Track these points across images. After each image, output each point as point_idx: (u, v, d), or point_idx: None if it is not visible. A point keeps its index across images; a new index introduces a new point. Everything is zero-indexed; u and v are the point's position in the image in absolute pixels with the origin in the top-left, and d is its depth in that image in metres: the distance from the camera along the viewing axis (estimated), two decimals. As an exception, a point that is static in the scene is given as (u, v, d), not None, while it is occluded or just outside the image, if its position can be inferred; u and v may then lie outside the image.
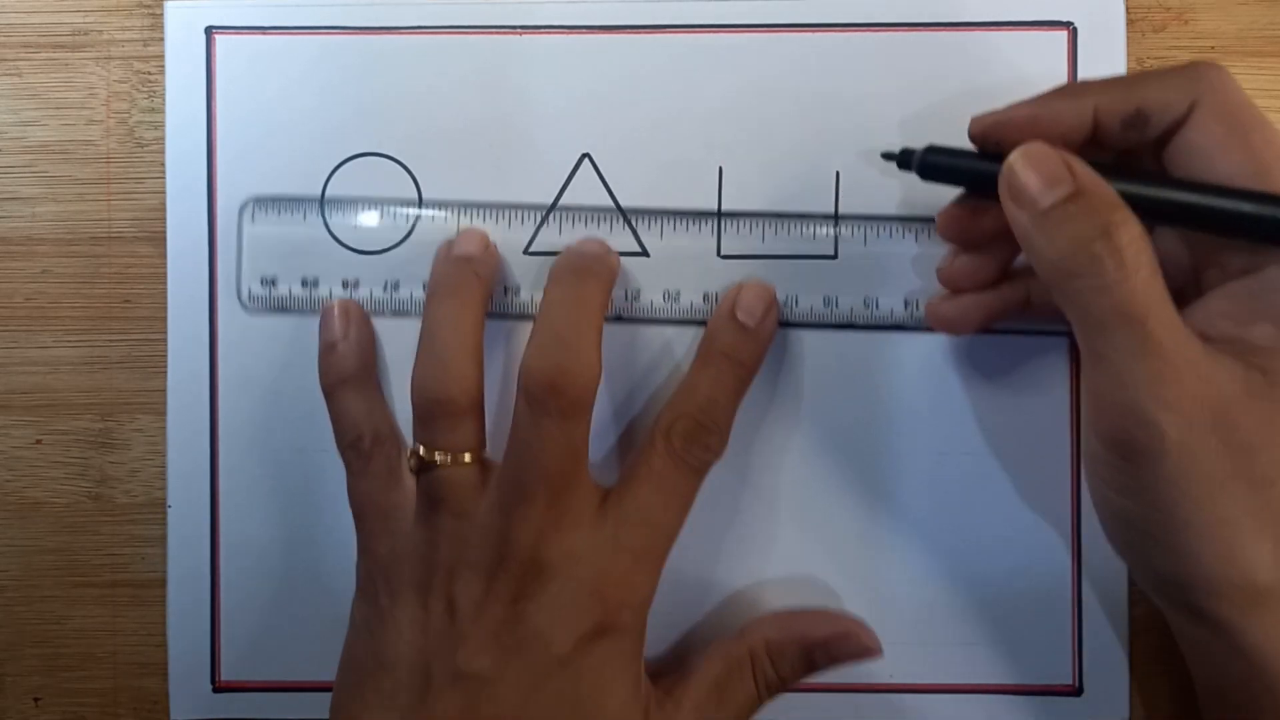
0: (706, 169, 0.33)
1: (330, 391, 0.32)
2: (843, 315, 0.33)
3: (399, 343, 0.33)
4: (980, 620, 0.33)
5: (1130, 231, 0.24)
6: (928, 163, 0.28)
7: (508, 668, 0.28)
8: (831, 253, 0.33)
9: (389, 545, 0.30)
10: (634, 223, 0.33)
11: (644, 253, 0.33)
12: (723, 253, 0.33)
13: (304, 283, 0.33)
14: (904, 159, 0.29)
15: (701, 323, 0.32)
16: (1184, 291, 0.28)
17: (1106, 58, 0.32)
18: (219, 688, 0.33)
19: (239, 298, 0.33)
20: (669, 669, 0.31)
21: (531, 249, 0.33)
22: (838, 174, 0.33)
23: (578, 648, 0.28)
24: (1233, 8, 0.33)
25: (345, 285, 0.33)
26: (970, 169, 0.28)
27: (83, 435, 0.34)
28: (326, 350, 0.32)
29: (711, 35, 0.33)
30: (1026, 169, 0.25)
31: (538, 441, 0.28)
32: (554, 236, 0.33)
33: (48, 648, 0.34)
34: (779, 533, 0.33)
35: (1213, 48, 0.33)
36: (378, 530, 0.30)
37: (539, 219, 0.33)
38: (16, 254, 0.34)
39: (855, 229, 0.33)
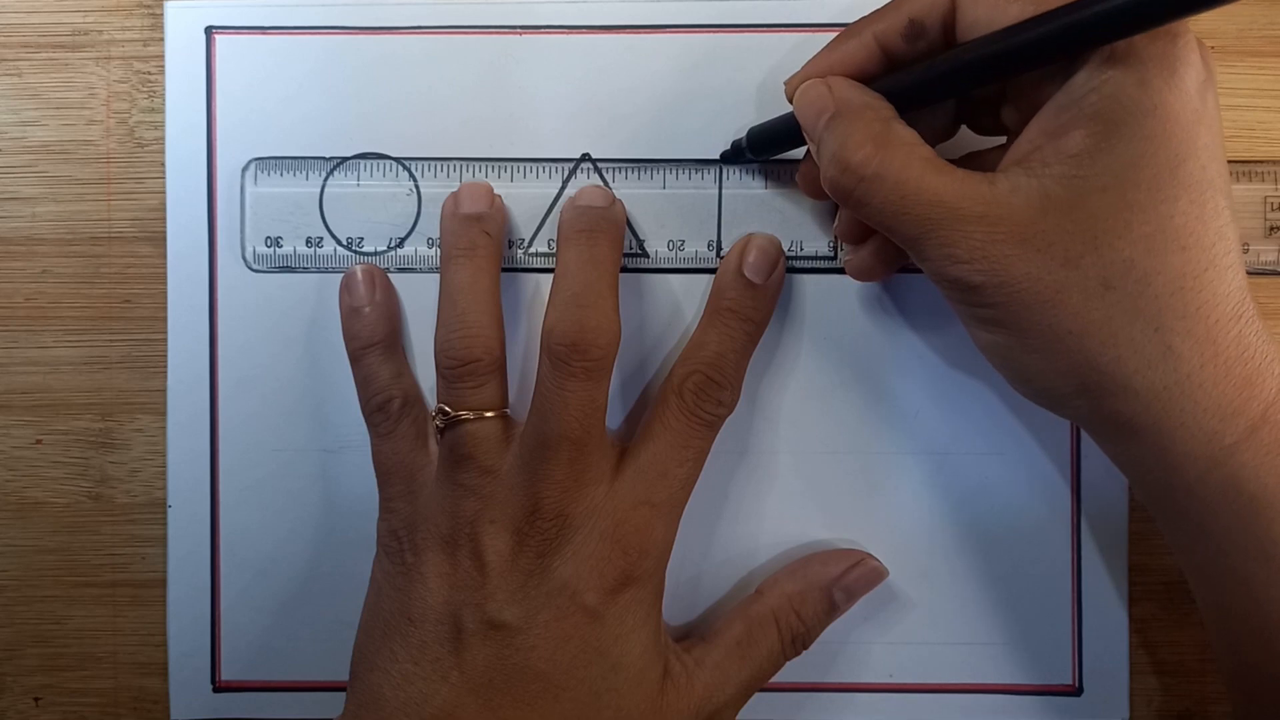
0: (707, 169, 0.33)
1: (357, 356, 0.32)
2: (842, 315, 0.33)
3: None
4: (980, 620, 0.33)
5: (860, 146, 0.26)
6: (752, 140, 0.31)
7: (536, 618, 0.28)
8: (831, 253, 0.33)
9: (413, 504, 0.31)
10: (634, 223, 0.33)
11: (644, 254, 0.33)
12: (723, 253, 0.33)
13: (308, 242, 0.33)
14: (734, 151, 0.32)
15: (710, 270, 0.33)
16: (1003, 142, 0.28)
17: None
18: (219, 688, 0.34)
19: (243, 258, 0.33)
20: (686, 633, 0.32)
21: (531, 248, 0.33)
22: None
23: (603, 599, 0.29)
24: (1233, 8, 0.33)
25: (350, 243, 0.33)
26: (786, 127, 0.30)
27: (83, 435, 0.34)
28: (352, 315, 0.32)
29: (711, 35, 0.33)
30: (801, 111, 0.28)
31: (561, 401, 0.29)
32: (554, 236, 0.33)
33: (48, 648, 0.34)
34: (779, 533, 0.33)
35: (1212, 48, 0.33)
36: (403, 490, 0.31)
37: (539, 219, 0.33)
38: (16, 254, 0.34)
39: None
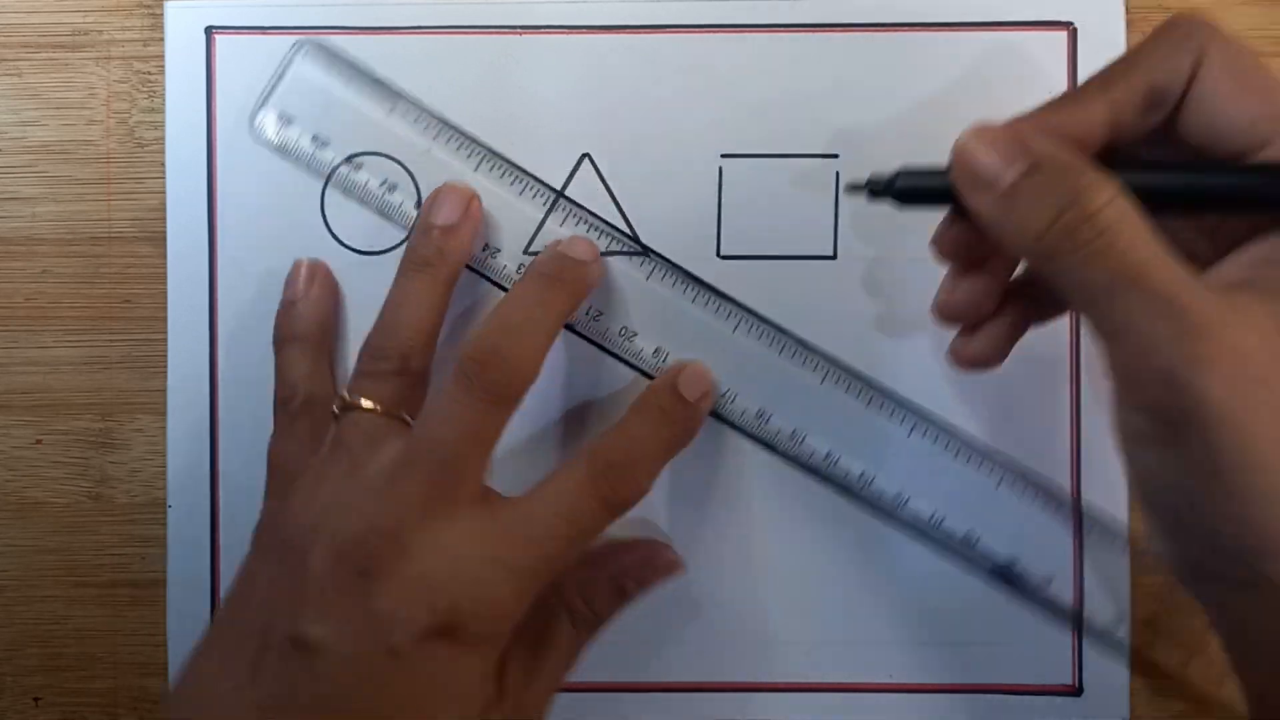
0: (706, 169, 0.33)
1: (279, 346, 0.32)
2: (841, 315, 0.33)
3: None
4: (980, 620, 0.33)
5: (1103, 193, 0.22)
6: (904, 186, 0.26)
7: (341, 645, 0.25)
8: (831, 253, 0.33)
9: (281, 503, 0.29)
10: (633, 222, 0.33)
11: (643, 252, 0.33)
12: (722, 252, 0.33)
13: (315, 139, 0.33)
14: (875, 187, 0.26)
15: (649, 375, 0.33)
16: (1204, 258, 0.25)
17: (1106, 58, 0.32)
18: (219, 688, 0.33)
19: (250, 124, 0.33)
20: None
21: (531, 249, 0.33)
22: (837, 174, 0.33)
23: (414, 645, 0.26)
24: (1233, 8, 0.33)
25: (351, 161, 0.33)
26: (948, 185, 0.25)
27: (83, 435, 0.34)
28: (286, 305, 0.32)
29: (711, 35, 0.33)
30: (978, 149, 0.23)
31: (445, 415, 0.27)
32: (553, 237, 0.33)
33: (48, 648, 0.34)
34: (779, 533, 0.33)
35: (1213, 48, 0.33)
36: (278, 488, 0.30)
37: (538, 220, 0.33)
38: (16, 254, 0.34)
39: (856, 228, 0.33)
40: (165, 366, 0.33)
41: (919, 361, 0.33)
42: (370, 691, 0.25)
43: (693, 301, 0.33)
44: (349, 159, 0.33)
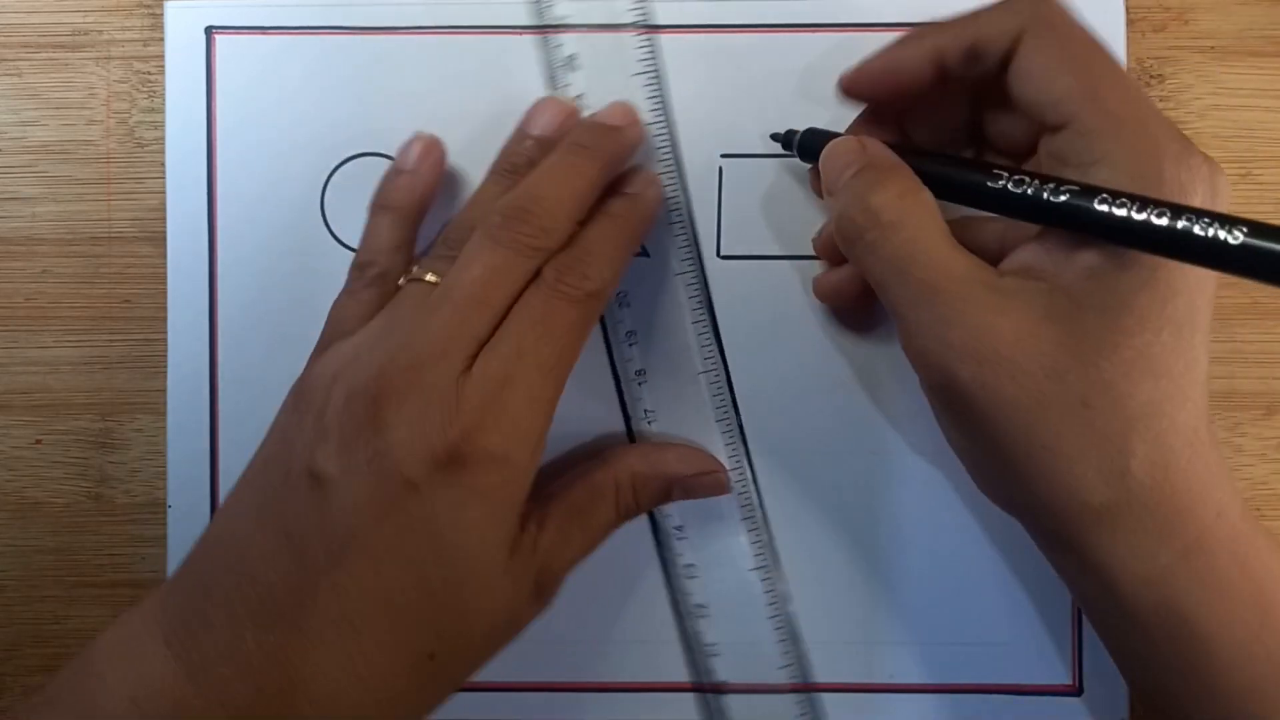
0: (706, 169, 0.33)
1: (373, 210, 0.32)
2: (839, 313, 0.33)
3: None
4: (980, 620, 0.33)
5: (886, 192, 0.26)
6: (804, 143, 0.30)
7: (355, 474, 0.26)
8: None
9: (323, 358, 0.29)
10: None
11: (644, 253, 0.33)
12: (723, 252, 0.33)
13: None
14: (786, 139, 0.31)
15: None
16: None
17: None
18: (219, 688, 0.33)
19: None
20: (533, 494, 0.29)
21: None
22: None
23: (427, 473, 0.25)
24: (1233, 8, 0.33)
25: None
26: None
27: (83, 435, 0.34)
28: (392, 173, 0.32)
29: (712, 35, 0.33)
30: (827, 159, 0.28)
31: (469, 259, 0.27)
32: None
33: (48, 648, 0.34)
34: (778, 533, 0.33)
35: (1212, 47, 0.33)
36: (324, 345, 0.30)
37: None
38: (16, 254, 0.34)
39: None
40: (165, 366, 0.33)
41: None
42: (389, 523, 0.25)
43: (692, 309, 0.33)
44: (343, 163, 0.33)
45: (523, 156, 0.30)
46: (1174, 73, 0.33)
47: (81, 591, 0.34)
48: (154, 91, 0.34)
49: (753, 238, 0.33)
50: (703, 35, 0.33)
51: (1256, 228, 0.22)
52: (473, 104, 0.33)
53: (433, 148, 0.32)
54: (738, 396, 0.33)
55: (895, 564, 0.33)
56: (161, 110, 0.33)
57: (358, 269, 0.31)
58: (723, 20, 0.33)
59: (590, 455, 0.32)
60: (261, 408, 0.33)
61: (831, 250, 0.31)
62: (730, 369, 0.33)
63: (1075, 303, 0.25)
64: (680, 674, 0.33)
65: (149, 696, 0.25)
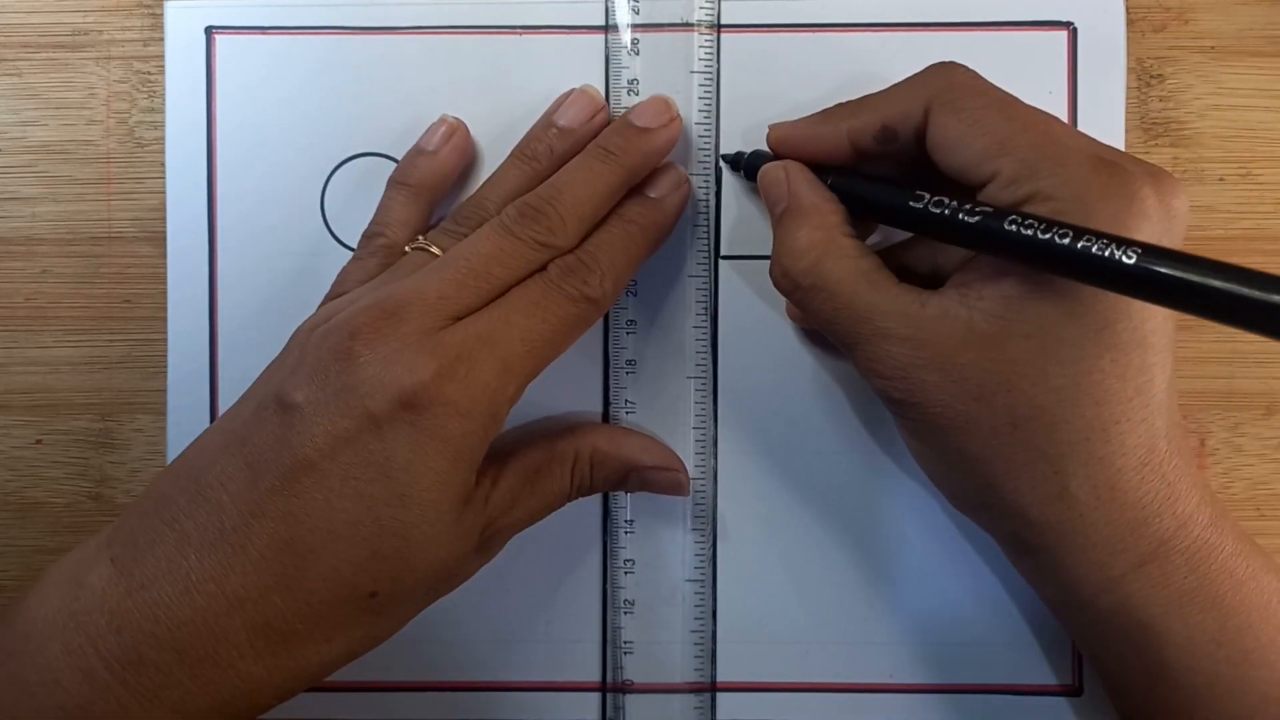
0: (706, 169, 0.33)
1: (389, 185, 0.32)
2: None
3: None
4: (980, 620, 0.33)
5: (801, 252, 0.28)
6: (750, 165, 0.31)
7: (324, 408, 0.26)
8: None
9: (318, 310, 0.30)
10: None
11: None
12: (723, 252, 0.33)
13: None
14: (734, 161, 0.32)
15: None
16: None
17: (1106, 58, 0.32)
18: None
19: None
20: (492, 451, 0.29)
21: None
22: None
23: (390, 410, 0.25)
24: (1233, 8, 0.33)
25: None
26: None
27: (83, 435, 0.34)
28: (413, 152, 0.32)
29: (711, 35, 0.33)
30: (763, 187, 0.30)
31: (478, 237, 0.28)
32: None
33: (48, 648, 0.34)
34: (778, 533, 0.33)
35: (1212, 47, 0.33)
36: (326, 300, 0.30)
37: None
38: (16, 254, 0.34)
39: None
40: (165, 366, 0.33)
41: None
42: (347, 454, 0.25)
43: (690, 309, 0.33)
44: (343, 163, 0.33)
45: (544, 145, 0.31)
46: (1174, 73, 0.33)
47: (81, 591, 0.34)
48: (154, 91, 0.34)
49: (753, 238, 0.33)
50: (702, 35, 0.33)
51: (1150, 250, 0.22)
52: (473, 104, 0.33)
53: (456, 132, 0.32)
54: (720, 400, 0.33)
55: (895, 564, 0.33)
56: (161, 110, 0.33)
57: (365, 239, 0.31)
58: (723, 20, 0.33)
59: (557, 426, 0.32)
60: (261, 408, 0.33)
61: None
62: (719, 374, 0.33)
63: (999, 328, 0.25)
64: (591, 674, 0.33)
65: (87, 610, 0.25)
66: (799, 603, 0.33)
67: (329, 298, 0.30)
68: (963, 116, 0.26)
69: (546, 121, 0.31)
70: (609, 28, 0.33)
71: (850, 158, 0.29)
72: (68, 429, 0.34)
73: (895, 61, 0.32)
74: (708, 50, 0.32)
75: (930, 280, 0.28)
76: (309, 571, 0.25)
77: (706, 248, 0.33)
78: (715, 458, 0.33)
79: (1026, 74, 0.32)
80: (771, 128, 0.30)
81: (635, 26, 0.32)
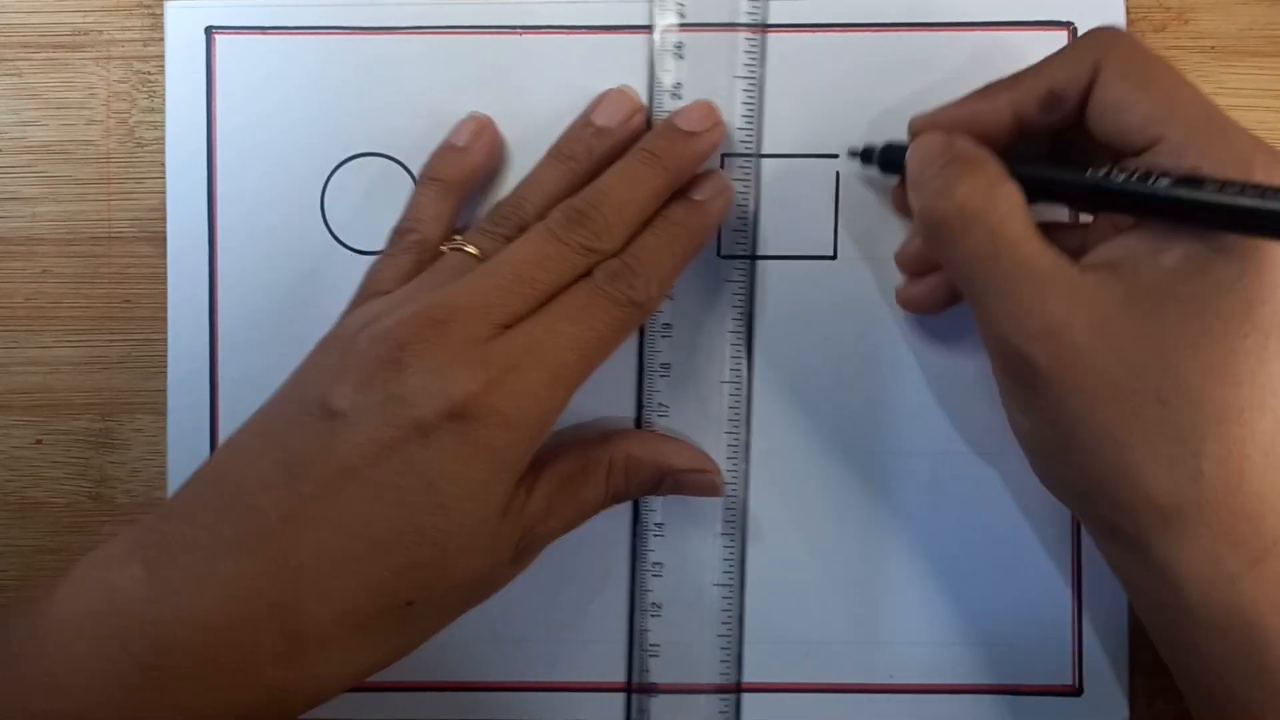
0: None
1: (419, 180, 0.32)
2: (841, 314, 0.33)
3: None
4: (980, 620, 0.33)
5: (972, 182, 0.26)
6: (886, 157, 0.30)
7: (368, 411, 0.26)
8: (831, 253, 0.33)
9: (355, 311, 0.29)
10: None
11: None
12: (723, 252, 0.33)
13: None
14: (866, 155, 0.31)
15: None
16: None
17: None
18: (219, 688, 0.33)
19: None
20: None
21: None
22: (837, 174, 0.33)
23: (437, 420, 0.25)
24: (1233, 8, 0.33)
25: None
26: None
27: (83, 435, 0.34)
28: (444, 147, 0.32)
29: (712, 35, 0.33)
30: (914, 155, 0.28)
31: (524, 242, 0.28)
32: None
33: (48, 648, 0.34)
34: (778, 534, 0.33)
35: (1212, 47, 0.33)
36: (360, 299, 0.30)
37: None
38: (16, 254, 0.34)
39: (855, 228, 0.33)
40: (165, 366, 0.33)
41: (918, 360, 0.33)
42: (391, 463, 0.25)
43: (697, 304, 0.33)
44: (343, 163, 0.33)
45: (582, 145, 0.31)
46: (1174, 73, 0.33)
47: (81, 591, 0.34)
48: (154, 91, 0.34)
49: (753, 237, 0.33)
50: (702, 35, 0.33)
51: None
52: (473, 104, 0.33)
53: (485, 128, 0.32)
54: (753, 404, 0.33)
55: (895, 564, 0.33)
56: (161, 110, 0.33)
57: (397, 234, 0.31)
58: (723, 20, 0.33)
59: (591, 433, 0.32)
60: (261, 408, 0.33)
61: (913, 262, 0.31)
62: (753, 378, 0.33)
63: (1158, 299, 0.25)
64: (616, 675, 0.33)
65: (117, 613, 0.25)
66: (799, 603, 0.33)
67: (362, 295, 0.30)
68: (1132, 79, 0.26)
69: (584, 121, 0.31)
70: (648, 28, 0.33)
71: (1009, 134, 0.28)
72: (68, 429, 0.34)
73: (893, 62, 0.32)
74: (751, 55, 0.32)
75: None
76: (348, 580, 0.25)
77: (744, 251, 0.33)
78: (747, 462, 0.33)
79: (1026, 74, 0.32)
80: (915, 118, 0.29)
81: (680, 27, 0.32)
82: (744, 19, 0.32)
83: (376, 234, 0.33)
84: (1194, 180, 0.24)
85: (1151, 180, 0.25)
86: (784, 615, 0.33)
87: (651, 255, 0.29)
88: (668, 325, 0.33)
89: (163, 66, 0.33)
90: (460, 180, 0.32)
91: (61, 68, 0.34)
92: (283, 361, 0.33)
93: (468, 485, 0.26)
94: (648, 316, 0.30)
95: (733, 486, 0.33)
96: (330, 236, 0.33)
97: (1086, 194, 0.26)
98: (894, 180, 0.31)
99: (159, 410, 0.34)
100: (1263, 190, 0.23)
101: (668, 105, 0.32)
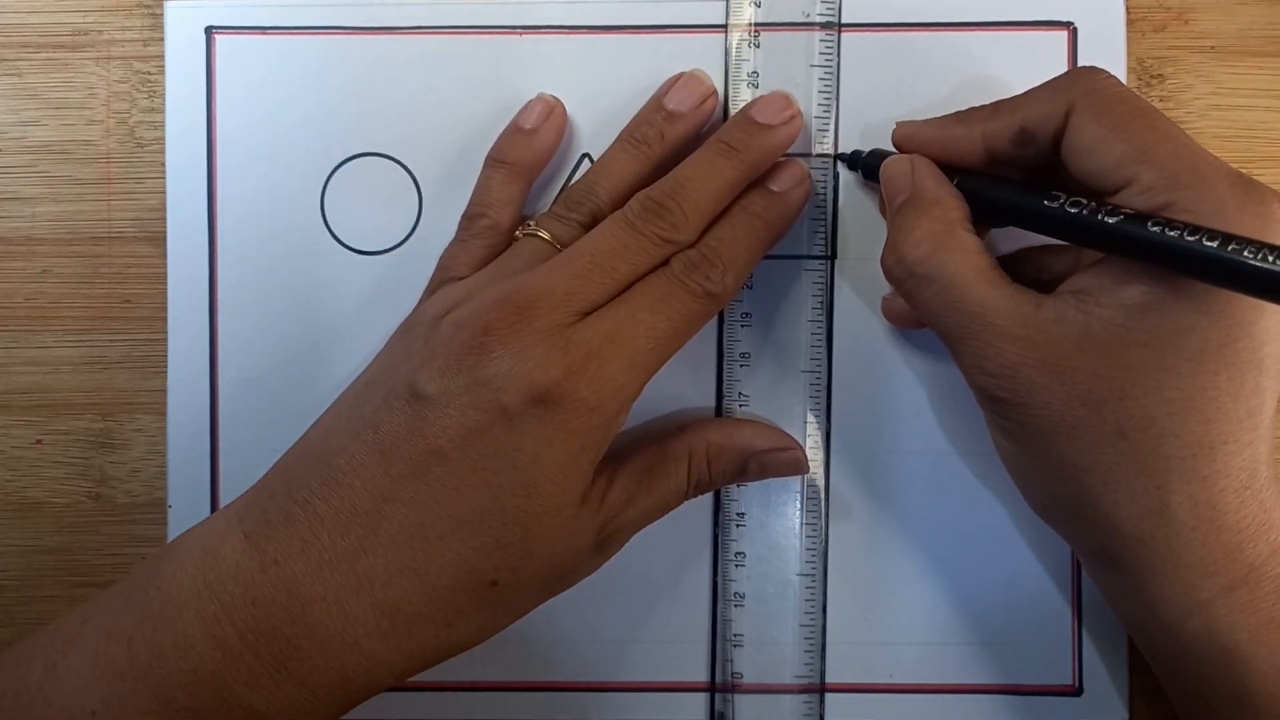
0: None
1: (489, 163, 0.32)
2: (841, 314, 0.33)
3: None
4: (980, 620, 0.33)
5: (919, 241, 0.27)
6: (867, 165, 0.31)
7: (455, 399, 0.26)
8: (831, 253, 0.33)
9: (430, 298, 0.30)
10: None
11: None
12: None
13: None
14: (852, 160, 0.32)
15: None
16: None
17: (1106, 58, 0.32)
18: (219, 688, 0.33)
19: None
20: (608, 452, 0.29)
21: (531, 249, 0.33)
22: (837, 174, 0.33)
23: (523, 405, 0.26)
24: (1233, 8, 0.33)
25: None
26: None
27: (83, 435, 0.34)
28: (510, 130, 0.32)
29: (711, 35, 0.33)
30: (884, 179, 0.29)
31: (603, 231, 0.28)
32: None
33: (48, 648, 0.34)
34: (778, 534, 0.33)
35: (1213, 47, 0.33)
36: (435, 288, 0.31)
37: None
38: (16, 254, 0.34)
39: (855, 228, 0.33)
40: (165, 366, 0.33)
41: (918, 360, 0.33)
42: (478, 445, 0.26)
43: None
44: (343, 163, 0.33)
45: (654, 129, 0.31)
46: (1174, 73, 0.33)
47: (81, 591, 0.34)
48: (154, 91, 0.34)
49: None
50: (702, 36, 0.33)
51: None
52: (473, 104, 0.33)
53: (553, 109, 0.32)
54: (833, 395, 0.33)
55: (895, 564, 0.33)
56: (161, 110, 0.33)
57: (467, 219, 0.32)
58: (723, 20, 0.33)
59: (670, 425, 0.32)
60: (261, 408, 0.33)
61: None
62: (834, 368, 0.33)
63: (1118, 335, 0.25)
64: (699, 674, 0.33)
65: (222, 581, 0.26)
66: (798, 603, 0.33)
67: (436, 281, 0.31)
68: (1104, 120, 0.26)
69: (655, 104, 0.31)
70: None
71: (981, 162, 0.29)
72: (68, 429, 0.34)
73: (893, 62, 0.32)
74: (828, 45, 0.32)
75: (1037, 289, 0.27)
76: (436, 557, 0.26)
77: (823, 242, 0.33)
78: (827, 451, 0.33)
79: (1026, 74, 0.32)
80: (899, 125, 0.30)
81: (756, 26, 0.32)
82: (819, 18, 0.32)
83: (376, 234, 0.33)
84: (1142, 217, 0.24)
85: (1100, 215, 0.25)
86: (781, 616, 0.33)
87: (730, 246, 0.29)
88: (748, 315, 0.33)
89: (163, 66, 0.33)
90: (528, 163, 0.32)
91: (61, 68, 0.34)
92: (283, 361, 0.33)
93: (550, 466, 0.27)
94: (722, 307, 0.30)
95: (813, 477, 0.33)
96: (330, 236, 0.33)
97: (1041, 221, 0.27)
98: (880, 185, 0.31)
99: (159, 410, 0.34)
100: (1219, 236, 0.23)
101: (744, 95, 0.32)
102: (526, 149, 0.32)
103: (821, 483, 0.33)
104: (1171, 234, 0.24)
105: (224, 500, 0.33)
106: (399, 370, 0.28)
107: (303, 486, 0.27)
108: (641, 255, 0.28)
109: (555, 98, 0.32)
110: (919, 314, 0.28)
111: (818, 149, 0.32)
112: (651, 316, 0.28)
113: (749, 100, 0.31)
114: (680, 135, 0.31)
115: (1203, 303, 0.25)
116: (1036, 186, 0.27)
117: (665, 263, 0.28)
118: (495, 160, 0.32)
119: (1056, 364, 0.25)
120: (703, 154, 0.30)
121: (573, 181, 0.33)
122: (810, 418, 0.33)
